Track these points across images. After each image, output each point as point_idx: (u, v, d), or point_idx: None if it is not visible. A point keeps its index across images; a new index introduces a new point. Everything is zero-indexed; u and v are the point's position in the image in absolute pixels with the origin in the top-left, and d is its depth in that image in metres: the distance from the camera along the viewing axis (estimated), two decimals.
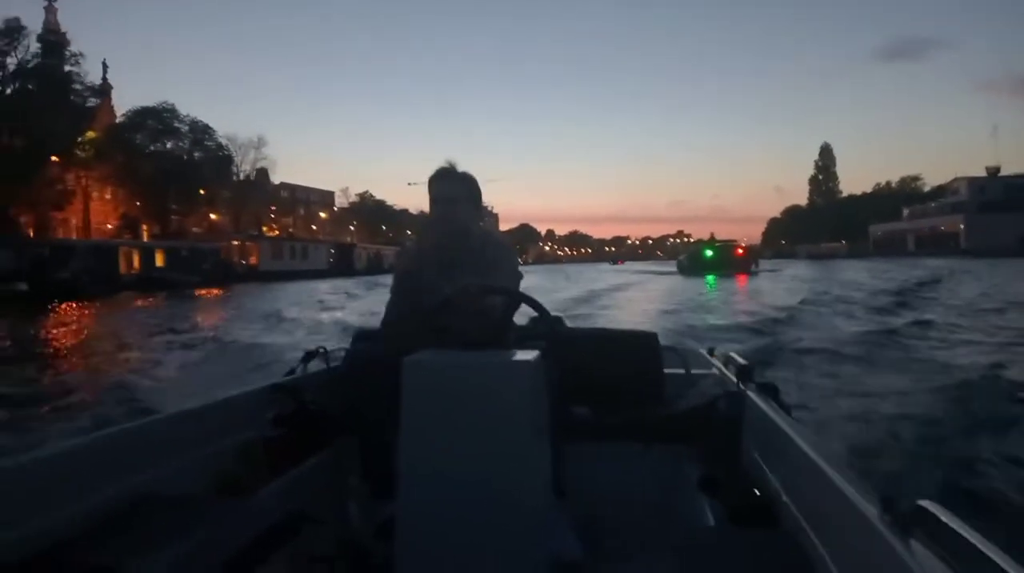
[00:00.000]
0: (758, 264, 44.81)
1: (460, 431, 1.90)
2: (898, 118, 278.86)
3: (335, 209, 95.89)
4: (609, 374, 3.08)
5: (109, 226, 52.57)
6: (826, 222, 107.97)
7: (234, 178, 60.71)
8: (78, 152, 45.09)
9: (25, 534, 1.61)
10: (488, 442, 1.89)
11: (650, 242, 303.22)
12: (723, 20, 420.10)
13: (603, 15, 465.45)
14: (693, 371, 3.30)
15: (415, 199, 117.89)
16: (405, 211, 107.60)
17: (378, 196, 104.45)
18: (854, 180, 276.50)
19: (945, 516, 1.19)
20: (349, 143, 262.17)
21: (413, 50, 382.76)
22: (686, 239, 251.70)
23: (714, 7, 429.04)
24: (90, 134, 46.45)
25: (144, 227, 53.71)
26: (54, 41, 43.07)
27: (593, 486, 2.64)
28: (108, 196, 53.52)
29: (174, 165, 53.27)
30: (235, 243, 54.99)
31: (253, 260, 54.22)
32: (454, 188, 2.57)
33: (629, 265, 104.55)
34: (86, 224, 50.46)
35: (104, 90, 48.69)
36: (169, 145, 54.80)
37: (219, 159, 58.40)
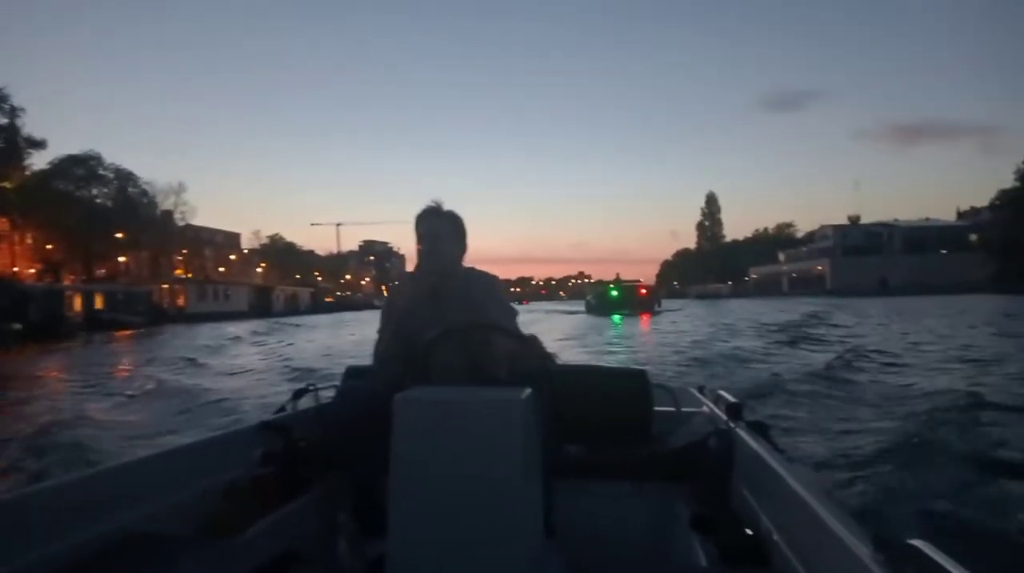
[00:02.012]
0: (660, 304, 46.09)
1: (451, 468, 1.87)
2: (778, 166, 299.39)
3: (245, 251, 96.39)
4: (599, 412, 3.10)
5: (31, 270, 53.07)
6: (712, 265, 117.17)
7: (149, 222, 61.83)
8: (9, 196, 46.32)
9: (10, 571, 1.58)
10: (479, 480, 1.87)
11: (553, 282, 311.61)
12: (620, 71, 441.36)
13: (508, 63, 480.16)
14: (683, 409, 3.30)
15: (319, 240, 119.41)
16: (312, 252, 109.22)
17: (287, 238, 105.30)
18: (739, 224, 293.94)
19: (936, 555, 1.18)
20: (254, 186, 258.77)
21: (304, 94, 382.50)
22: (587, 280, 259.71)
23: (611, 59, 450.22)
24: (9, 183, 47.57)
25: (64, 271, 54.48)
26: None
27: (584, 525, 2.64)
28: (28, 241, 53.99)
29: (99, 211, 54.79)
30: (164, 286, 57.66)
31: (181, 302, 56.97)
32: (441, 225, 2.63)
33: (535, 305, 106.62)
34: (10, 268, 50.95)
35: (41, 143, 49.94)
36: (94, 191, 56.21)
37: (142, 205, 60.14)
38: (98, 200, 56.09)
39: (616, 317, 36.08)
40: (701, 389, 3.61)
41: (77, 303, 43.81)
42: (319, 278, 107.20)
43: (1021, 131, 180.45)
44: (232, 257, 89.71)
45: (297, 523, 2.49)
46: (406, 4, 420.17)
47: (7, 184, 46.73)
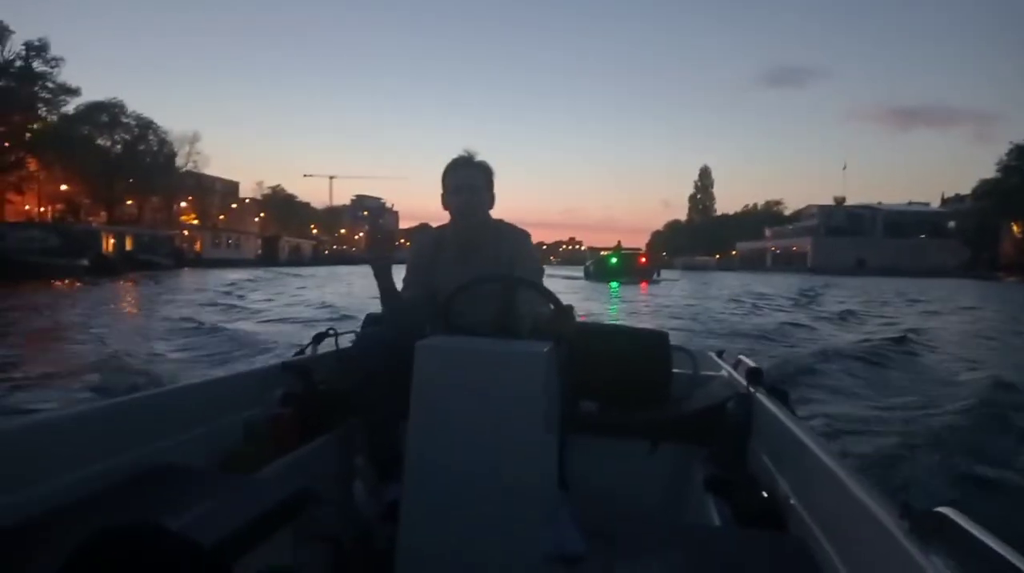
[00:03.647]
0: (660, 273, 46.18)
1: (468, 417, 1.88)
2: (772, 143, 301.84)
3: (246, 200, 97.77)
4: (619, 371, 3.11)
5: (49, 211, 55.54)
6: (701, 237, 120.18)
7: (154, 168, 64.18)
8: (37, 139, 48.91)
9: (28, 497, 1.60)
10: (495, 430, 1.87)
11: (544, 247, 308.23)
12: (619, 39, 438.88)
13: (506, 27, 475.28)
14: (702, 372, 3.30)
15: (311, 192, 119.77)
16: (308, 205, 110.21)
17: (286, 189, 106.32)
18: (730, 198, 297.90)
19: (965, 522, 1.15)
20: (248, 133, 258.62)
21: (312, 48, 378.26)
22: (578, 246, 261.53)
23: (612, 27, 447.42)
24: (37, 126, 49.99)
25: (83, 214, 56.95)
26: (39, 45, 47.01)
27: (598, 481, 2.64)
28: (51, 184, 56.24)
29: (123, 157, 57.36)
30: (186, 232, 61.49)
31: (198, 247, 60.68)
32: (474, 176, 2.55)
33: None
34: (36, 208, 53.46)
35: (76, 91, 52.09)
36: (116, 138, 58.59)
37: (161, 154, 62.91)
38: (119, 147, 58.45)
39: (614, 283, 36.69)
40: (720, 354, 3.64)
41: (109, 244, 46.62)
42: (315, 231, 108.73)
43: (1015, 119, 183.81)
44: (233, 206, 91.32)
45: (314, 464, 2.51)
46: None
47: (36, 126, 49.08)
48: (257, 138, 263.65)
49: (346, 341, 3.10)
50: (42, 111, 49.34)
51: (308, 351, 3.09)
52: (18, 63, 46.16)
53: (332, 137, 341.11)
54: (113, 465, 1.84)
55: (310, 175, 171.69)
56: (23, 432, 1.73)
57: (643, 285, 37.10)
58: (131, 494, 1.74)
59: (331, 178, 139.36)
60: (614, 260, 44.23)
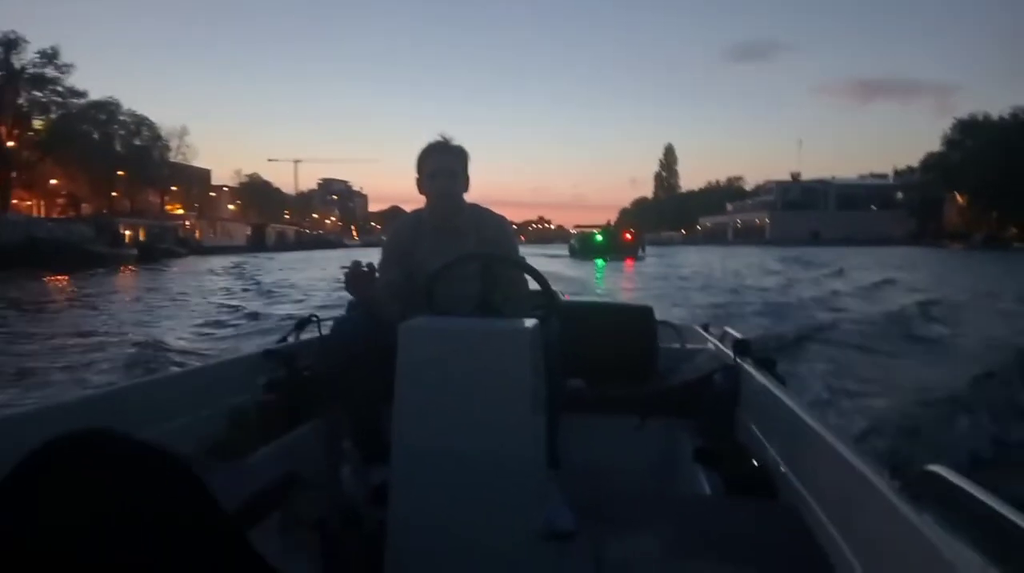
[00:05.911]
0: (644, 249, 45.45)
1: (454, 398, 1.84)
2: (737, 118, 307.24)
3: (225, 189, 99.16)
4: (605, 347, 3.13)
5: (52, 207, 58.34)
6: (667, 213, 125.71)
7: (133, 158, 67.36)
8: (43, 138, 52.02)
9: None
10: (482, 410, 1.83)
11: (514, 226, 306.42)
12: (586, 17, 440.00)
13: (471, 5, 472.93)
14: (688, 346, 3.34)
15: (276, 176, 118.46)
16: (279, 190, 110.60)
17: (247, 173, 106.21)
18: (695, 174, 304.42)
19: (956, 479, 1.16)
20: (211, 119, 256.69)
21: (273, 30, 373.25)
22: (547, 225, 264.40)
23: (579, 4, 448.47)
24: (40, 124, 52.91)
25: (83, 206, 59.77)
26: (50, 52, 50.07)
27: (588, 458, 2.62)
28: (53, 180, 58.85)
29: (123, 153, 60.91)
30: (187, 223, 66.00)
31: (197, 235, 65.55)
32: (452, 161, 2.54)
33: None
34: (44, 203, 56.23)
35: (84, 94, 54.80)
36: (112, 133, 61.50)
37: (156, 148, 66.55)
38: (116, 144, 61.49)
39: (600, 261, 36.90)
40: (706, 327, 3.67)
41: (127, 236, 50.22)
42: (287, 216, 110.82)
43: (975, 91, 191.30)
44: (212, 194, 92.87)
45: (301, 449, 2.52)
46: None
47: (39, 124, 51.96)
48: (220, 124, 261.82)
49: (329, 327, 2.98)
50: (53, 113, 52.35)
51: (291, 337, 3.11)
52: (31, 70, 49.22)
53: (295, 120, 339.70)
54: None
55: (275, 160, 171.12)
56: (3, 425, 1.70)
57: (628, 261, 38.23)
58: None
59: (296, 162, 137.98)
60: (599, 238, 44.63)
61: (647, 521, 1.79)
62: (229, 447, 2.30)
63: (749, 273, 26.28)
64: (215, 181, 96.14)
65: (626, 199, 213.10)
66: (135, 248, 42.61)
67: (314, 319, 3.20)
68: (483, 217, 2.65)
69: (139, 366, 6.97)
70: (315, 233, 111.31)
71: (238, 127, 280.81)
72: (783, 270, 27.55)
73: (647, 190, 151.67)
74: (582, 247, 44.27)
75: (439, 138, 2.57)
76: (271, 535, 1.82)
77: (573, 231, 48.57)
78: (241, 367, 2.72)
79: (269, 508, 1.88)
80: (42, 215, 52.27)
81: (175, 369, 2.67)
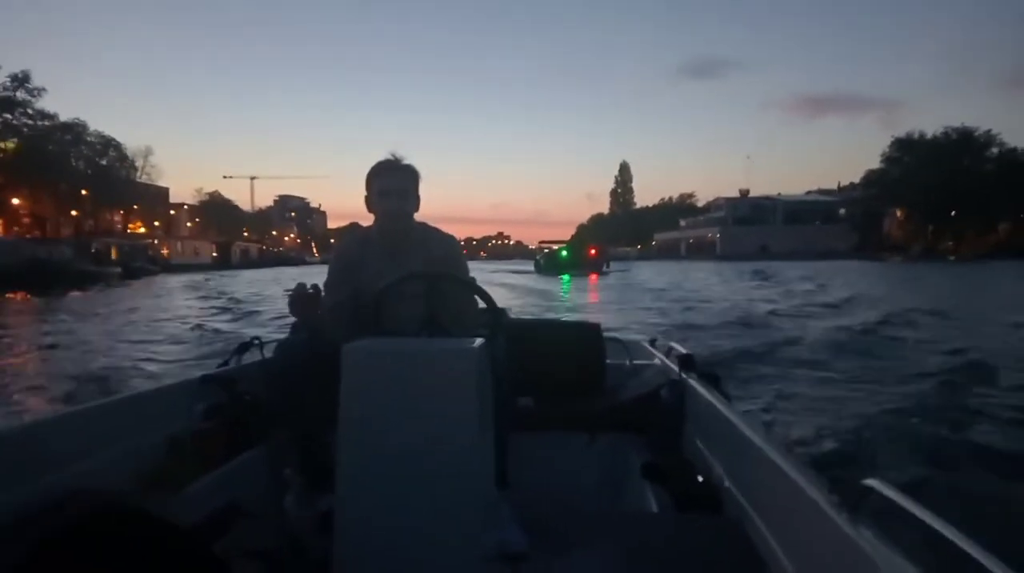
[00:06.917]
0: (609, 265, 46.37)
1: (401, 420, 1.79)
2: (689, 135, 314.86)
3: (184, 206, 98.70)
4: (553, 364, 3.15)
5: (16, 227, 58.30)
6: (623, 229, 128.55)
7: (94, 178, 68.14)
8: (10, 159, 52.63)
9: None
10: (429, 432, 1.78)
11: (474, 242, 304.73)
12: (543, 34, 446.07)
13: (427, 21, 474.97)
14: (635, 361, 3.36)
15: (231, 194, 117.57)
16: (237, 208, 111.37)
17: (205, 190, 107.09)
18: (649, 190, 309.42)
19: (892, 493, 1.18)
20: (176, 139, 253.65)
21: (226, 47, 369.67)
22: (506, 241, 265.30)
23: (535, 22, 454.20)
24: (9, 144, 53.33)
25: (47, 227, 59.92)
26: (22, 76, 51.11)
27: (537, 476, 2.61)
28: (16, 200, 58.98)
29: (90, 174, 61.51)
30: (155, 242, 67.58)
31: (165, 253, 67.13)
32: (403, 180, 2.51)
33: (473, 264, 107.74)
34: (7, 225, 56.19)
35: (54, 116, 55.43)
36: (78, 154, 61.98)
37: (123, 169, 67.81)
38: (80, 163, 62.08)
39: (566, 276, 37.57)
40: (653, 342, 3.69)
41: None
42: (246, 234, 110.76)
43: (918, 106, 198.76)
44: (172, 212, 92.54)
45: (242, 478, 2.45)
46: None
47: (8, 146, 52.44)
48: (176, 141, 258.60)
49: (271, 350, 2.95)
50: (22, 136, 53.17)
51: (231, 361, 3.03)
52: (1, 93, 50.51)
53: (250, 137, 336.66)
54: (27, 493, 1.67)
55: (229, 176, 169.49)
56: None
57: (592, 276, 39.02)
58: (55, 523, 1.54)
59: (252, 179, 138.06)
60: (564, 253, 45.29)
61: (596, 540, 1.84)
62: (168, 478, 2.24)
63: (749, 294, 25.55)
64: (173, 199, 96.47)
65: (584, 215, 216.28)
66: (125, 267, 44.99)
67: (256, 342, 3.18)
68: (432, 236, 2.64)
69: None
70: (276, 250, 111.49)
71: (194, 144, 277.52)
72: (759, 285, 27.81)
73: (604, 206, 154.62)
74: (548, 263, 44.95)
75: (389, 156, 2.54)
76: None
77: (535, 248, 48.61)
78: (177, 393, 2.64)
79: (211, 540, 1.85)
80: (2, 235, 52.60)
81: (108, 397, 2.59)
